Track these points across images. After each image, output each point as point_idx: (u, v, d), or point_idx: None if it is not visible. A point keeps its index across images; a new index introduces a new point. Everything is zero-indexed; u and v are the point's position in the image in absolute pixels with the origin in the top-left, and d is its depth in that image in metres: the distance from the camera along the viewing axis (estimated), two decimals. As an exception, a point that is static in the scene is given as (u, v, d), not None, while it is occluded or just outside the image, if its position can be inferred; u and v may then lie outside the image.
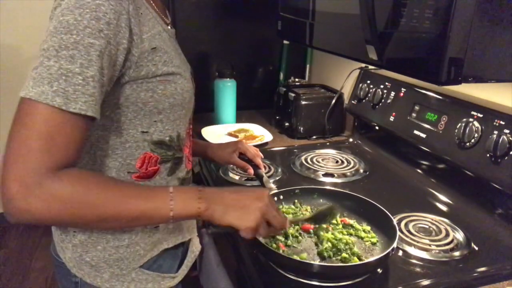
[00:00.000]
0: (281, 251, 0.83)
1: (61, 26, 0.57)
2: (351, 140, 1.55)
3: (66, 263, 0.77)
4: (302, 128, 1.55)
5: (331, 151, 1.42)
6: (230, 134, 1.53)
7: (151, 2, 0.74)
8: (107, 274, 0.76)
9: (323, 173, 1.25)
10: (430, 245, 0.89)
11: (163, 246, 0.80)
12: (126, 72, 0.66)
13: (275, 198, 0.99)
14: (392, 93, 1.32)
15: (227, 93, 1.62)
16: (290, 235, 0.89)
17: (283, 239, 0.88)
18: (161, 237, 0.80)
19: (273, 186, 1.06)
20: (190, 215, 0.67)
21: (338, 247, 0.85)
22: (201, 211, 0.67)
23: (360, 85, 1.46)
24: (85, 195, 0.59)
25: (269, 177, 1.20)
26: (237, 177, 1.21)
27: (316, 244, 0.88)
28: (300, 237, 0.90)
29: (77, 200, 0.58)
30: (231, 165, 1.23)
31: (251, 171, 1.08)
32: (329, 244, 0.86)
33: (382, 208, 0.91)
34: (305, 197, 1.02)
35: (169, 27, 0.79)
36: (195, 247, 0.89)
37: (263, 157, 1.14)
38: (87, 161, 0.71)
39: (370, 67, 1.46)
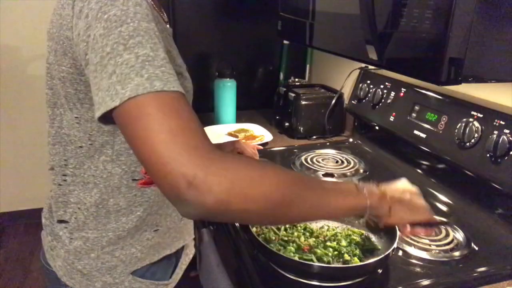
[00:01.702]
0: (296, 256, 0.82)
1: (112, 21, 0.53)
2: (351, 140, 1.55)
3: (56, 271, 0.75)
4: (302, 128, 1.55)
5: (331, 151, 1.41)
6: (230, 134, 1.53)
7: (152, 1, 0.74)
8: (99, 284, 0.74)
9: (323, 173, 1.25)
10: (430, 245, 0.89)
11: (166, 252, 0.79)
12: None
13: None
14: (392, 93, 1.32)
15: (227, 93, 1.61)
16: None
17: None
18: (161, 241, 0.78)
19: None
20: (364, 205, 0.67)
21: (341, 251, 0.85)
22: (375, 201, 0.68)
23: (360, 85, 1.46)
24: (255, 169, 0.54)
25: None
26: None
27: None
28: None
29: (248, 173, 0.52)
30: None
31: None
32: (330, 249, 0.86)
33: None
34: None
35: (167, 26, 0.79)
36: (189, 250, 0.88)
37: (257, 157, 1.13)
38: (89, 166, 0.70)
39: (370, 67, 1.46)
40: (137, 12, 0.54)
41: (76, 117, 0.67)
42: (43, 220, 0.80)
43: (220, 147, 1.10)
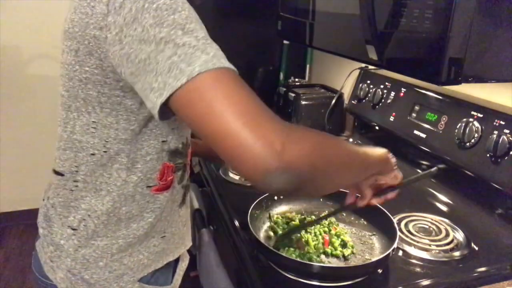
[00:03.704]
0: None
1: (163, 10, 0.52)
2: (351, 140, 1.55)
3: (58, 284, 0.72)
4: (302, 128, 1.54)
5: (331, 151, 1.41)
6: (230, 134, 1.53)
7: None
8: None
9: (323, 173, 1.24)
10: (430, 245, 0.89)
11: (169, 258, 0.79)
12: None
13: (275, 198, 0.99)
14: (392, 93, 1.32)
15: (227, 93, 1.61)
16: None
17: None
18: (166, 247, 0.77)
19: None
20: (382, 161, 0.73)
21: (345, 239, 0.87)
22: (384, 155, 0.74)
23: (360, 85, 1.46)
24: (319, 138, 0.56)
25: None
26: (237, 177, 1.20)
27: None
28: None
29: (321, 138, 0.56)
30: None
31: None
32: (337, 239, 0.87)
33: (383, 209, 0.91)
34: (326, 197, 1.02)
35: None
36: (185, 256, 0.88)
37: None
38: (101, 174, 0.68)
39: (370, 67, 1.46)
40: (184, 1, 0.54)
41: (93, 122, 0.65)
42: (41, 230, 0.76)
43: None
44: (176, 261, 0.85)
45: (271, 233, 0.91)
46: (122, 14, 0.54)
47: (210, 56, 0.51)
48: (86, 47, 0.59)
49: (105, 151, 0.66)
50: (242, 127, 0.47)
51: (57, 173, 0.72)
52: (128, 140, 0.66)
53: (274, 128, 0.48)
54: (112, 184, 0.68)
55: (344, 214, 0.98)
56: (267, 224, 0.94)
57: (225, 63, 0.52)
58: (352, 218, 0.98)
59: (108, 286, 0.72)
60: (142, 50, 0.52)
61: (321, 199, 1.02)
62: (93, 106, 0.64)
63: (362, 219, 0.97)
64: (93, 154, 0.66)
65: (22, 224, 2.65)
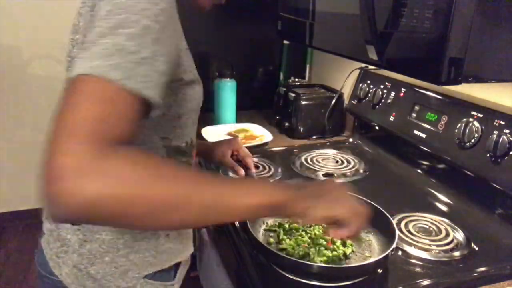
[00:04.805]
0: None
1: (117, 7, 0.52)
2: (351, 140, 1.55)
3: (64, 280, 0.73)
4: (302, 128, 1.55)
5: (331, 151, 1.41)
6: (230, 134, 1.53)
7: None
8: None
9: (323, 173, 1.25)
10: (430, 245, 0.89)
11: (177, 259, 0.79)
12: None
13: None
14: (392, 93, 1.32)
15: (227, 93, 1.62)
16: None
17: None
18: (172, 247, 0.77)
19: None
20: (275, 204, 0.59)
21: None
22: (290, 199, 0.60)
23: (360, 85, 1.46)
24: (149, 172, 0.49)
25: (269, 177, 1.20)
26: (237, 177, 1.21)
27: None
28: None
29: (138, 177, 0.48)
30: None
31: (242, 172, 1.04)
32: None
33: (381, 209, 0.91)
34: None
35: None
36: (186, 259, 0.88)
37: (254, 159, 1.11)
38: None
39: (370, 67, 1.46)
40: (146, 8, 0.53)
41: None
42: (47, 225, 0.76)
43: (216, 146, 1.09)
44: (178, 263, 0.85)
45: (271, 238, 0.90)
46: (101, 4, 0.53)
47: (107, 64, 0.49)
48: None
49: (141, 125, 0.63)
50: (57, 140, 0.46)
51: None
52: None
53: (73, 154, 0.45)
54: None
55: None
56: (264, 226, 0.94)
57: (116, 77, 0.49)
58: None
59: (113, 282, 0.73)
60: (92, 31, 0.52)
61: None
62: None
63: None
64: None
65: (22, 224, 2.65)
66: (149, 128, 0.68)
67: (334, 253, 0.84)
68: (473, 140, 0.99)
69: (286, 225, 0.93)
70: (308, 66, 1.93)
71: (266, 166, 1.26)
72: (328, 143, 1.53)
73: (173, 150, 0.72)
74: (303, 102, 1.52)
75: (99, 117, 0.47)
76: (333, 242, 0.87)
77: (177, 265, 0.84)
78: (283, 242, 0.87)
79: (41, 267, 0.77)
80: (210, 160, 1.11)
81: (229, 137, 1.44)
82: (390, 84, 1.34)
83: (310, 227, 0.92)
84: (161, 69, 0.54)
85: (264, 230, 0.92)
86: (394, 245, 0.78)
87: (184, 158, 0.75)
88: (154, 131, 0.69)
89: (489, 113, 0.98)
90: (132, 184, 0.47)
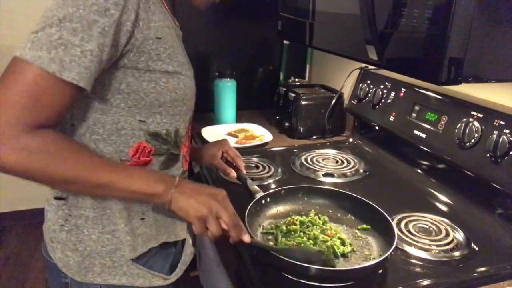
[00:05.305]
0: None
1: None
2: (351, 140, 1.55)
3: (57, 263, 0.77)
4: (302, 128, 1.55)
5: (331, 151, 1.42)
6: (230, 134, 1.53)
7: (163, 2, 0.76)
8: (98, 267, 0.76)
9: (323, 173, 1.25)
10: (430, 245, 0.89)
11: (151, 244, 0.80)
12: (126, 54, 0.67)
13: (262, 201, 0.97)
14: (392, 93, 1.32)
15: (227, 93, 1.62)
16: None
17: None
18: (148, 232, 0.79)
19: (258, 189, 1.00)
20: (147, 194, 0.69)
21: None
22: (159, 192, 0.69)
23: (360, 85, 1.46)
24: (55, 153, 0.62)
25: (269, 177, 1.20)
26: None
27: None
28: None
29: (45, 156, 0.61)
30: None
31: (234, 174, 1.04)
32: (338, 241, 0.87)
33: (381, 210, 0.91)
34: (311, 195, 1.02)
35: (178, 28, 0.81)
36: (189, 251, 0.88)
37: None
38: (81, 144, 0.72)
39: (370, 67, 1.46)
40: (95, 3, 0.60)
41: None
42: (46, 206, 0.80)
43: (207, 148, 1.09)
44: (179, 254, 0.85)
45: (269, 241, 0.90)
46: None
47: (48, 57, 0.59)
48: None
49: (84, 121, 0.70)
50: None
51: None
52: (105, 110, 0.70)
53: (11, 127, 0.58)
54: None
55: (331, 211, 0.99)
56: (260, 230, 0.94)
57: (54, 70, 0.59)
58: (339, 215, 0.98)
59: (100, 260, 0.76)
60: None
61: (305, 198, 1.02)
62: None
63: (349, 214, 0.97)
64: (73, 125, 0.71)
65: (22, 224, 2.65)
66: (127, 109, 0.71)
67: (330, 243, 0.85)
68: (473, 140, 0.99)
69: (283, 227, 0.93)
70: (308, 66, 1.93)
71: (266, 166, 1.26)
72: (328, 143, 1.53)
73: (151, 135, 0.75)
74: (303, 102, 1.52)
75: (29, 105, 0.59)
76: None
77: (174, 261, 0.84)
78: (282, 243, 0.87)
79: (44, 250, 0.82)
80: (200, 163, 1.10)
81: (230, 138, 1.44)
82: (390, 84, 1.34)
83: (308, 227, 0.92)
84: (105, 59, 0.63)
85: (261, 233, 0.92)
86: (393, 247, 0.78)
87: (164, 146, 0.77)
88: (132, 113, 0.72)
89: (489, 113, 0.98)
90: (38, 160, 0.61)
